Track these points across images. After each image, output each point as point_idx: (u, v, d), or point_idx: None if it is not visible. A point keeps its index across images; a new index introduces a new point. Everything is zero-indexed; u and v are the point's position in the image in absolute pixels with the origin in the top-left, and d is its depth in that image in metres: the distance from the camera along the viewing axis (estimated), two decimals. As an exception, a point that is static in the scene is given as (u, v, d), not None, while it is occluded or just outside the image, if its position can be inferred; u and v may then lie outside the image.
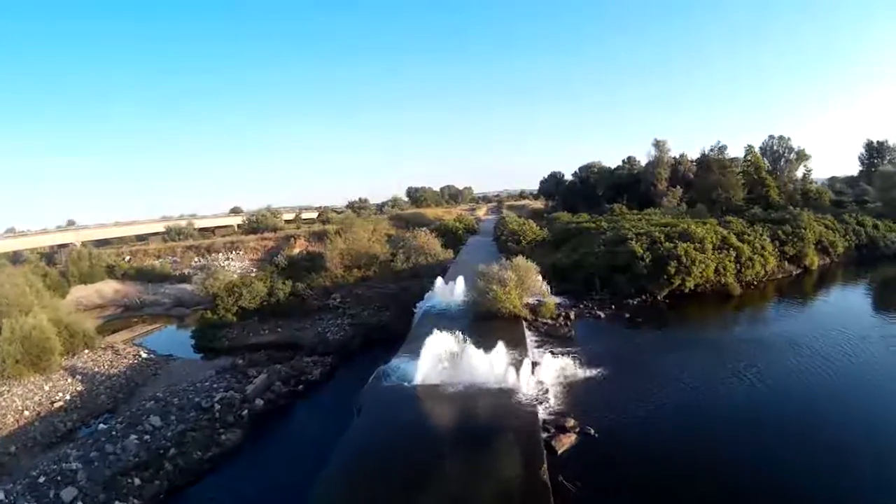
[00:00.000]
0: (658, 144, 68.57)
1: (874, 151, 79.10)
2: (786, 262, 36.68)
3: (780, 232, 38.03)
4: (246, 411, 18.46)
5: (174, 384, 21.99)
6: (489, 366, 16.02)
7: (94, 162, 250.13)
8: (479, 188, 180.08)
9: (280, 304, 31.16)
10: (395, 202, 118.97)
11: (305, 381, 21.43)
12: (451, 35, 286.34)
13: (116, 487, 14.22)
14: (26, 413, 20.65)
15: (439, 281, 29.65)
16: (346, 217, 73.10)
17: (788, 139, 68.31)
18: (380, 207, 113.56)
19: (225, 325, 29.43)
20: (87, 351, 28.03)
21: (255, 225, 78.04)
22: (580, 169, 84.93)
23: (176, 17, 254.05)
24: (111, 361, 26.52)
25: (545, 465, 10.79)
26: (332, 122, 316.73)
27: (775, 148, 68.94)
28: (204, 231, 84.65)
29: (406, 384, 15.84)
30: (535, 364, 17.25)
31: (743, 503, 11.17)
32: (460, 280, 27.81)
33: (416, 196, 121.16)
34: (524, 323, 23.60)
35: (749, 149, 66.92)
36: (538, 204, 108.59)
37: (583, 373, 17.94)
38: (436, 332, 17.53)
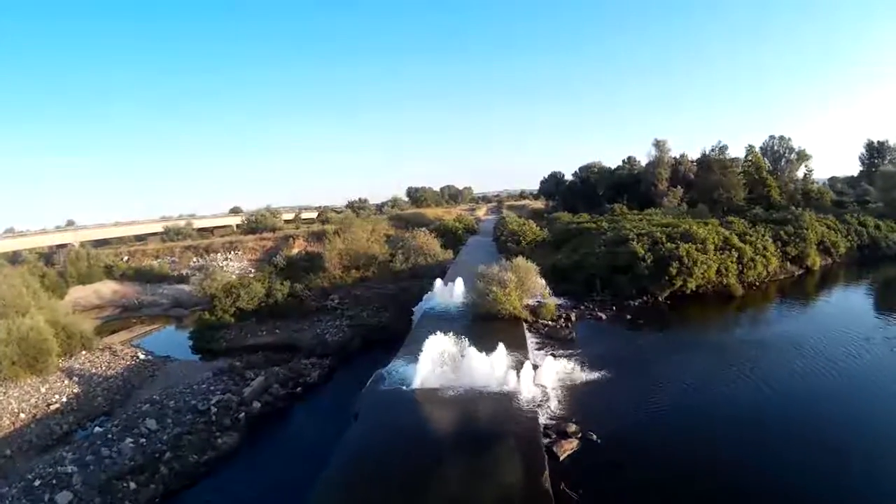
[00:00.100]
0: (658, 144, 68.41)
1: (875, 151, 78.94)
2: (788, 263, 36.51)
3: (782, 232, 37.88)
4: (243, 414, 18.24)
5: (171, 386, 21.79)
6: (489, 369, 15.83)
7: (93, 162, 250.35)
8: (479, 188, 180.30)
9: (278, 305, 30.98)
10: (394, 202, 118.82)
11: (303, 384, 21.21)
12: (451, 35, 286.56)
13: (112, 491, 14.05)
14: (22, 415, 20.47)
15: (438, 282, 29.46)
16: (344, 217, 72.87)
17: (789, 139, 68.22)
18: (379, 207, 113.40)
19: (223, 327, 29.25)
20: (84, 352, 27.83)
21: (255, 225, 77.86)
22: (580, 169, 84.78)
23: (176, 17, 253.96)
24: (108, 363, 26.33)
25: (547, 472, 10.60)
26: (332, 122, 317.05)
27: (776, 148, 68.76)
28: (203, 231, 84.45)
29: (404, 388, 15.61)
30: (535, 367, 17.02)
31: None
32: (459, 281, 27.62)
33: (416, 196, 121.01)
34: (524, 324, 23.42)
35: (750, 149, 66.77)
36: (538, 204, 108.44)
37: (584, 375, 17.71)
38: (435, 334, 17.32)
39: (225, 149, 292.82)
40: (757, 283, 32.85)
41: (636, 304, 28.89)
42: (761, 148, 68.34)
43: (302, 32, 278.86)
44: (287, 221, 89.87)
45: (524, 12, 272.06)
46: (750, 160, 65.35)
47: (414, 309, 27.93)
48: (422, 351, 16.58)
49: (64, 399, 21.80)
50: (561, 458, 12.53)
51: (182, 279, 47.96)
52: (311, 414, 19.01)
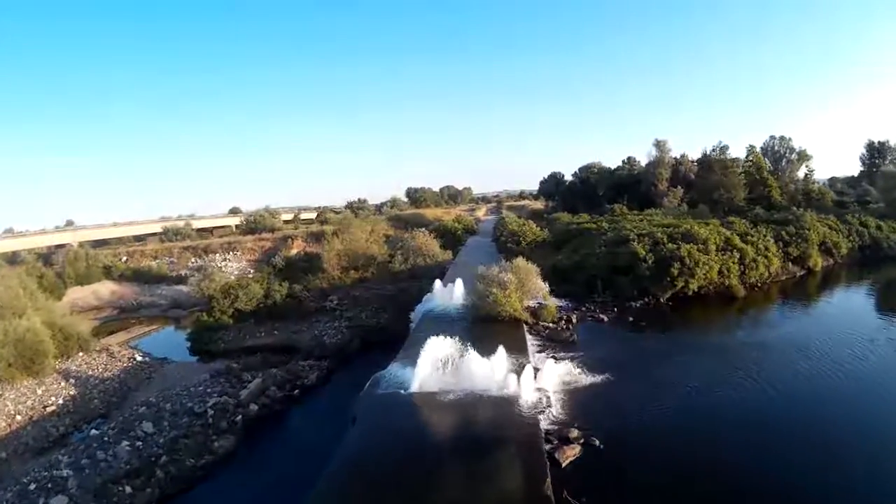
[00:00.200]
0: (659, 144, 68.24)
1: (875, 152, 78.82)
2: (789, 264, 36.34)
3: (783, 233, 37.71)
4: (240, 417, 18.04)
5: (168, 388, 21.61)
6: (489, 372, 15.59)
7: (93, 162, 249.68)
8: (478, 188, 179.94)
9: (276, 306, 30.82)
10: (394, 202, 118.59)
11: (301, 386, 21.01)
12: (451, 35, 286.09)
13: (107, 495, 13.88)
14: (18, 418, 20.28)
15: (438, 283, 29.26)
16: (343, 218, 72.67)
17: (789, 139, 68.04)
18: (379, 208, 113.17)
19: (221, 328, 29.09)
20: (81, 353, 27.64)
21: (254, 225, 77.63)
22: (580, 169, 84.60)
23: (176, 16, 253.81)
24: (105, 364, 26.15)
25: (549, 480, 10.34)
26: (332, 122, 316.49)
27: (776, 148, 68.60)
28: (202, 231, 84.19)
29: (403, 391, 15.37)
30: (536, 370, 16.79)
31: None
32: (459, 282, 27.39)
33: (416, 196, 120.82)
34: (525, 327, 23.19)
35: (751, 149, 66.65)
36: (538, 204, 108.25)
37: (586, 379, 17.47)
38: (434, 337, 17.09)
39: (225, 149, 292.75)
40: (759, 284, 32.68)
41: (637, 305, 28.72)
42: (762, 148, 68.21)
43: (302, 32, 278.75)
44: (286, 222, 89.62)
45: (524, 12, 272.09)
46: (751, 160, 65.19)
47: (413, 310, 27.72)
48: (420, 354, 16.34)
49: (60, 401, 21.62)
50: (563, 465, 12.26)
51: (180, 280, 47.76)
52: (308, 417, 18.79)
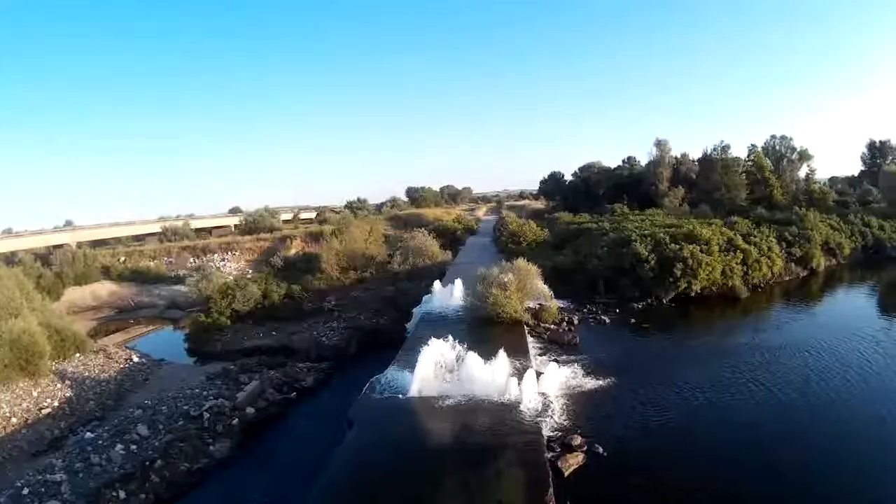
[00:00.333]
0: (659, 144, 67.99)
1: (876, 151, 78.72)
2: (792, 264, 36.11)
3: (786, 233, 37.45)
4: (236, 420, 17.74)
5: (164, 390, 21.34)
6: (489, 376, 15.31)
7: (93, 162, 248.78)
8: (478, 188, 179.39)
9: (275, 306, 30.58)
10: (393, 202, 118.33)
11: (298, 388, 20.69)
12: (451, 35, 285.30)
13: (100, 500, 13.61)
14: (13, 420, 19.99)
15: (437, 284, 29.07)
16: (342, 217, 72.45)
17: (790, 139, 67.83)
18: (378, 207, 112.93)
19: (218, 329, 28.82)
20: (78, 354, 27.33)
21: (253, 225, 77.34)
22: (580, 169, 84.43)
23: (176, 16, 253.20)
24: (102, 366, 25.86)
25: (551, 490, 10.05)
26: (333, 122, 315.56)
27: (777, 148, 68.35)
28: (201, 231, 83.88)
29: (401, 396, 15.10)
30: (538, 374, 16.47)
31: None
32: (459, 283, 27.17)
33: (415, 196, 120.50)
34: (525, 328, 22.90)
35: (752, 148, 66.45)
36: (538, 204, 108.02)
37: (588, 383, 17.18)
38: (433, 340, 16.82)
39: (225, 148, 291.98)
40: (762, 285, 32.45)
41: (640, 306, 28.49)
42: (763, 148, 67.99)
43: (302, 32, 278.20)
44: (286, 222, 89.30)
45: (524, 12, 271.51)
46: (752, 160, 64.96)
47: (412, 312, 27.50)
48: (419, 357, 16.08)
49: (56, 403, 21.33)
50: (566, 474, 11.91)
51: (179, 280, 47.45)
52: (305, 420, 18.48)
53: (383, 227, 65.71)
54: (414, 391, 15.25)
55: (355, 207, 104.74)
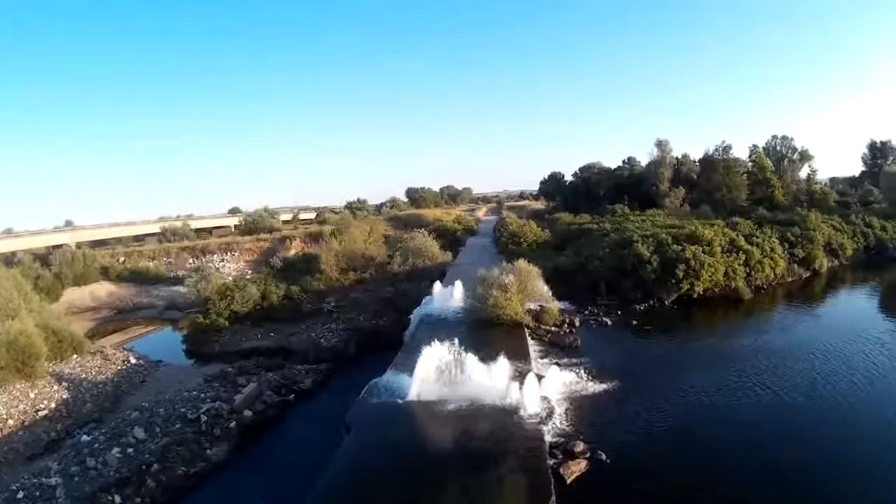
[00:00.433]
0: (660, 144, 67.75)
1: (877, 151, 78.50)
2: (795, 265, 35.88)
3: (788, 234, 37.24)
4: (234, 423, 17.55)
5: (161, 392, 21.17)
6: (490, 380, 15.07)
7: (93, 162, 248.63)
8: (478, 189, 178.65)
9: (273, 308, 30.46)
10: (393, 203, 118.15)
11: (296, 391, 20.52)
12: (451, 35, 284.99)
13: (96, 505, 13.43)
14: (10, 422, 19.81)
15: (437, 285, 28.86)
16: (341, 218, 72.25)
17: (791, 139, 67.60)
18: (378, 208, 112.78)
19: (216, 330, 28.65)
20: (75, 356, 27.15)
21: (252, 225, 77.16)
22: (581, 169, 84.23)
23: (176, 16, 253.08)
24: (99, 367, 25.67)
25: (553, 498, 9.83)
26: (333, 122, 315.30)
27: (778, 148, 68.12)
28: (201, 231, 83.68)
29: (400, 400, 14.86)
30: (539, 377, 16.21)
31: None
32: (458, 284, 26.93)
33: (415, 196, 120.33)
34: (526, 330, 22.64)
35: (753, 149, 66.23)
36: (538, 204, 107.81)
37: (591, 387, 16.95)
38: (433, 342, 16.58)
39: (224, 148, 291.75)
40: (764, 287, 32.26)
41: (642, 308, 28.27)
42: (764, 148, 67.78)
43: (302, 32, 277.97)
44: (285, 222, 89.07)
45: (524, 12, 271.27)
46: (753, 160, 64.77)
47: (411, 313, 27.29)
48: (418, 360, 15.85)
49: (52, 405, 21.15)
50: (568, 482, 11.62)
51: (178, 281, 47.29)
52: (303, 423, 18.29)
53: (383, 227, 65.55)
54: (413, 395, 15.03)
55: (355, 208, 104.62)
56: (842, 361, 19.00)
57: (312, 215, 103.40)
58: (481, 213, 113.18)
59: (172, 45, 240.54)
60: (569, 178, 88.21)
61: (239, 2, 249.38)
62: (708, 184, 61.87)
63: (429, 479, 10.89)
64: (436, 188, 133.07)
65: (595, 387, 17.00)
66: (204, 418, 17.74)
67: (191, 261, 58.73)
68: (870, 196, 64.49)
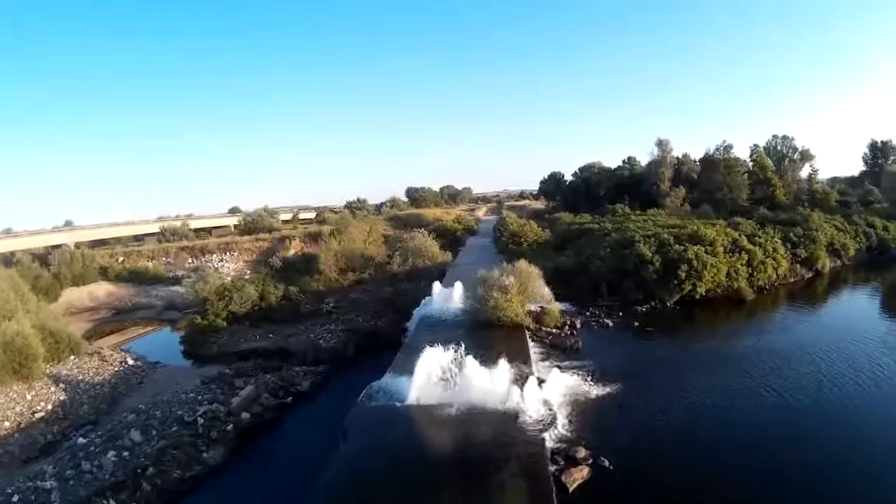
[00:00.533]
0: (661, 144, 67.51)
1: (878, 151, 78.32)
2: (797, 266, 35.65)
3: (791, 234, 37.00)
4: (231, 426, 17.34)
5: (158, 394, 20.97)
6: (490, 383, 14.83)
7: (93, 162, 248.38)
8: (478, 188, 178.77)
9: (272, 308, 30.26)
10: (393, 202, 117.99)
11: (295, 393, 20.32)
12: (451, 35, 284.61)
13: (90, 510, 13.29)
14: (6, 424, 19.63)
15: (437, 285, 28.66)
16: (341, 218, 72.05)
17: (792, 139, 67.42)
18: (378, 208, 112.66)
19: (214, 331, 28.45)
20: (72, 357, 26.98)
21: (252, 225, 77.02)
22: (581, 169, 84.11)
23: (175, 16, 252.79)
24: (97, 369, 25.50)
25: (555, 507, 9.63)
26: (333, 122, 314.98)
27: (779, 148, 67.94)
28: (200, 231, 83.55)
29: (398, 404, 14.65)
30: (540, 381, 16.03)
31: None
32: (458, 285, 26.70)
33: (415, 196, 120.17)
34: (527, 332, 22.39)
35: (754, 148, 66.05)
36: (538, 204, 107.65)
37: (593, 390, 16.72)
38: (432, 344, 16.38)
39: (224, 148, 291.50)
40: (767, 287, 32.03)
41: (644, 309, 28.01)
42: (764, 148, 67.59)
43: (302, 32, 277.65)
44: (285, 222, 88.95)
45: (524, 12, 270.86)
46: (754, 160, 64.57)
47: (411, 314, 27.09)
48: (417, 363, 15.62)
49: (49, 407, 20.98)
50: (570, 490, 11.35)
51: (177, 281, 47.10)
52: (301, 426, 18.10)
53: (383, 227, 65.34)
54: (412, 399, 14.81)
55: (355, 207, 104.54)
56: (846, 363, 18.80)
57: (312, 215, 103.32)
58: (481, 212, 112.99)
59: (172, 45, 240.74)
60: (569, 177, 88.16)
61: (239, 2, 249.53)
62: (709, 183, 61.68)
63: (428, 485, 10.69)
64: (436, 188, 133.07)
65: (597, 390, 16.77)
66: (201, 421, 17.55)
67: (190, 261, 58.59)
68: (870, 196, 64.34)
